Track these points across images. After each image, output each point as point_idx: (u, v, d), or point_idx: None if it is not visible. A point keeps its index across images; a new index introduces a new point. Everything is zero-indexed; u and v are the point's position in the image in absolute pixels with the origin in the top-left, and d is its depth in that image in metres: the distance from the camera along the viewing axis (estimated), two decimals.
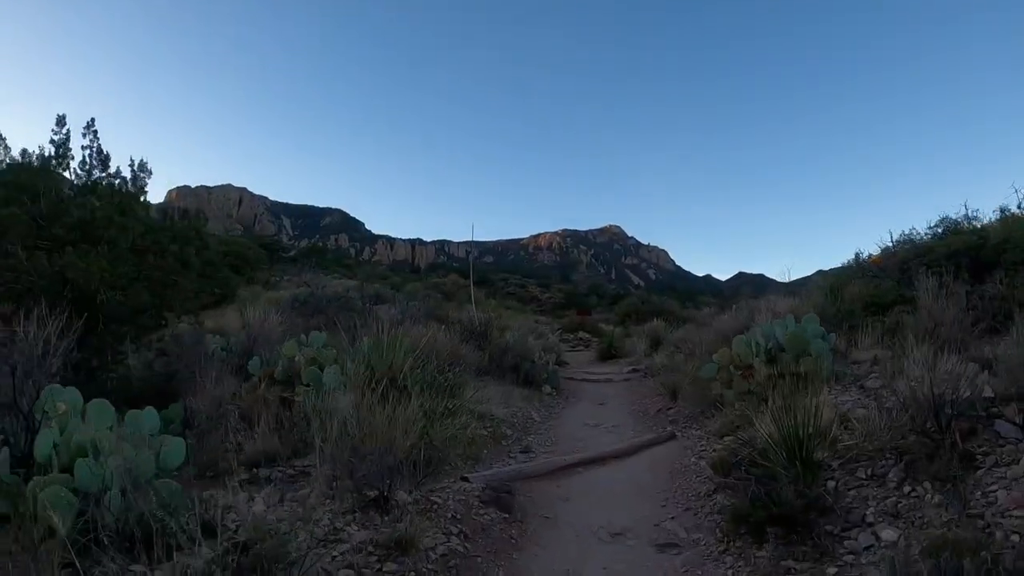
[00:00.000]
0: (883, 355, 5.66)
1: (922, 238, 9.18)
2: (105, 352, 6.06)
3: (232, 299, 12.94)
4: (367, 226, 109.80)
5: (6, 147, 6.92)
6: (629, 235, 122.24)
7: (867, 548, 2.73)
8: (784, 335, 5.17)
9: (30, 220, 5.89)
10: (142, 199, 7.15)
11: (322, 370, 4.78)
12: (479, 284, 33.70)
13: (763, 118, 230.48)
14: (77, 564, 2.15)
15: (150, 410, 3.55)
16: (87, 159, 6.97)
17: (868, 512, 2.95)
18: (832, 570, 2.63)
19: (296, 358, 5.49)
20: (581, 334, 18.41)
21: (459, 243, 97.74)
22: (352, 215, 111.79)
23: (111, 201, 6.31)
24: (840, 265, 11.18)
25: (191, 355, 6.15)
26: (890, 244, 9.56)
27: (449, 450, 3.43)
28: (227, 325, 8.67)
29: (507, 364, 8.20)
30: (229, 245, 24.82)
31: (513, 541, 3.17)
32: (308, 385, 4.71)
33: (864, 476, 3.27)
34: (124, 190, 6.49)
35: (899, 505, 2.97)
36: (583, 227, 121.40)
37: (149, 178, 7.41)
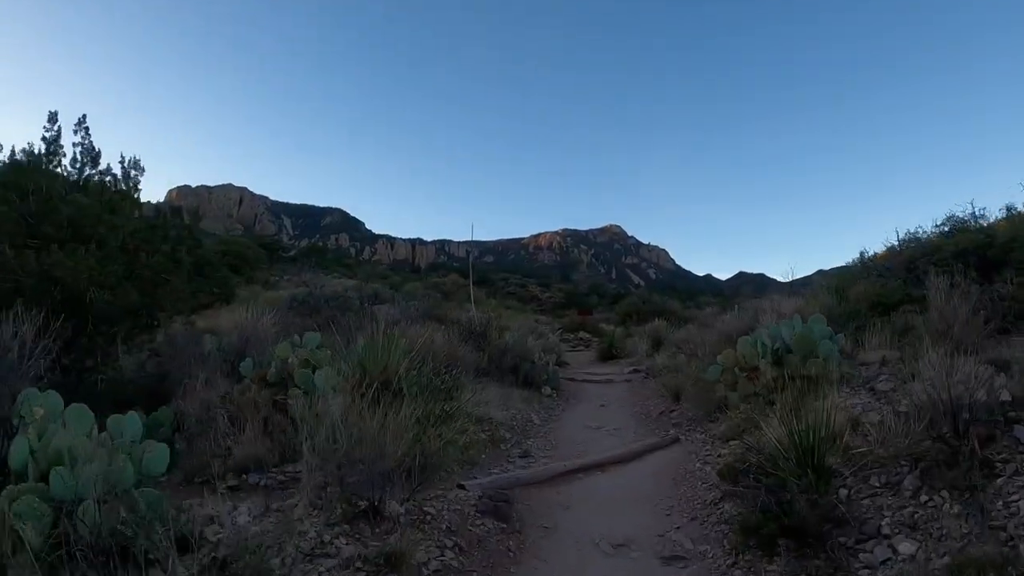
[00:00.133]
0: (892, 356, 5.51)
1: (928, 237, 9.04)
2: (95, 353, 5.92)
3: (231, 299, 12.81)
4: (367, 226, 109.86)
5: None
6: (629, 234, 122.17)
7: (884, 562, 2.59)
8: (791, 336, 5.02)
9: (19, 218, 5.75)
10: (134, 197, 7.01)
11: (315, 372, 4.64)
12: (479, 284, 33.59)
13: (764, 117, 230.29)
14: None
15: (132, 415, 3.41)
16: (78, 156, 6.84)
17: (884, 523, 2.81)
18: None
19: (289, 359, 5.34)
20: (582, 334, 18.27)
21: (459, 243, 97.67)
22: (352, 215, 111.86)
23: (100, 199, 6.17)
24: (841, 265, 11.08)
25: (184, 356, 6.03)
26: (896, 243, 9.43)
27: (444, 457, 3.28)
28: (222, 325, 8.53)
29: (506, 365, 8.05)
30: (228, 245, 24.73)
31: (511, 554, 3.02)
32: (300, 388, 4.57)
33: (878, 484, 3.13)
34: (115, 187, 6.35)
35: (916, 515, 2.83)
36: (583, 226, 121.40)
37: (142, 176, 7.27)
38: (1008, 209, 8.70)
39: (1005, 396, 3.36)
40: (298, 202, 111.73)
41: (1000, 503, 2.73)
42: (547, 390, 8.32)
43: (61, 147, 6.89)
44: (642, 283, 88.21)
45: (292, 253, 43.47)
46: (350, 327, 5.43)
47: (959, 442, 3.08)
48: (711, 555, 3.01)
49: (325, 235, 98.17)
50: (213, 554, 2.19)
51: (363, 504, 2.66)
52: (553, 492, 4.02)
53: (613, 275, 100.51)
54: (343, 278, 24.69)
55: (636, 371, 10.73)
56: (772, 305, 7.78)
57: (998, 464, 2.97)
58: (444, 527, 2.95)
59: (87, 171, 6.84)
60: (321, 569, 2.32)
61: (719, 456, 4.33)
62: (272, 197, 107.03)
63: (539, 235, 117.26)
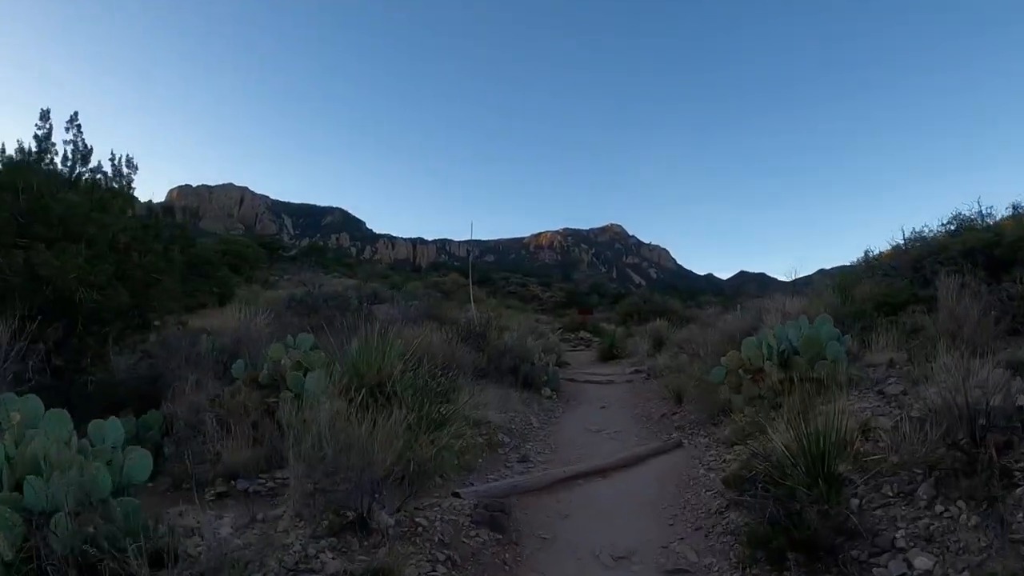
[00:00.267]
0: (899, 358, 5.38)
1: (934, 236, 8.91)
2: (85, 354, 5.81)
3: (227, 299, 12.71)
4: (368, 225, 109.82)
5: None
6: (630, 234, 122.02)
7: None
8: (798, 337, 4.89)
9: (10, 217, 5.64)
10: (127, 194, 6.89)
11: (306, 375, 4.51)
12: (480, 283, 33.49)
13: (764, 117, 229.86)
14: None
15: (114, 419, 3.28)
16: (68, 154, 6.73)
17: (898, 535, 2.67)
18: None
19: (283, 361, 5.22)
20: (582, 334, 18.16)
21: (460, 242, 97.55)
22: (353, 214, 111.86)
23: (91, 197, 6.05)
24: (842, 264, 10.97)
25: (178, 357, 5.91)
26: (901, 242, 9.29)
27: (439, 464, 3.15)
28: (219, 325, 8.41)
29: (506, 366, 7.92)
30: (228, 244, 24.65)
31: (507, 567, 2.88)
32: (291, 390, 4.44)
33: (891, 493, 2.99)
34: (105, 185, 6.23)
35: (932, 527, 2.69)
36: (584, 226, 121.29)
37: (135, 174, 7.16)
38: (1015, 208, 8.58)
39: (1022, 401, 3.23)
40: (299, 201, 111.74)
41: (1020, 515, 2.59)
42: (547, 391, 8.18)
43: (53, 145, 6.78)
44: (643, 282, 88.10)
45: (292, 252, 43.37)
46: (344, 327, 5.29)
47: (976, 449, 2.95)
48: (716, 568, 2.87)
49: (326, 234, 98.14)
50: (189, 571, 2.06)
51: (351, 515, 2.54)
52: (552, 500, 3.88)
53: (614, 274, 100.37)
54: (343, 277, 24.61)
55: (637, 372, 10.60)
56: (776, 305, 7.64)
57: (1016, 473, 2.84)
58: (437, 539, 2.81)
59: (78, 169, 6.73)
60: None
61: (724, 462, 4.20)
62: (273, 196, 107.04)
63: (540, 234, 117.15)
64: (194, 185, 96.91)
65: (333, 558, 2.37)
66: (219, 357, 6.17)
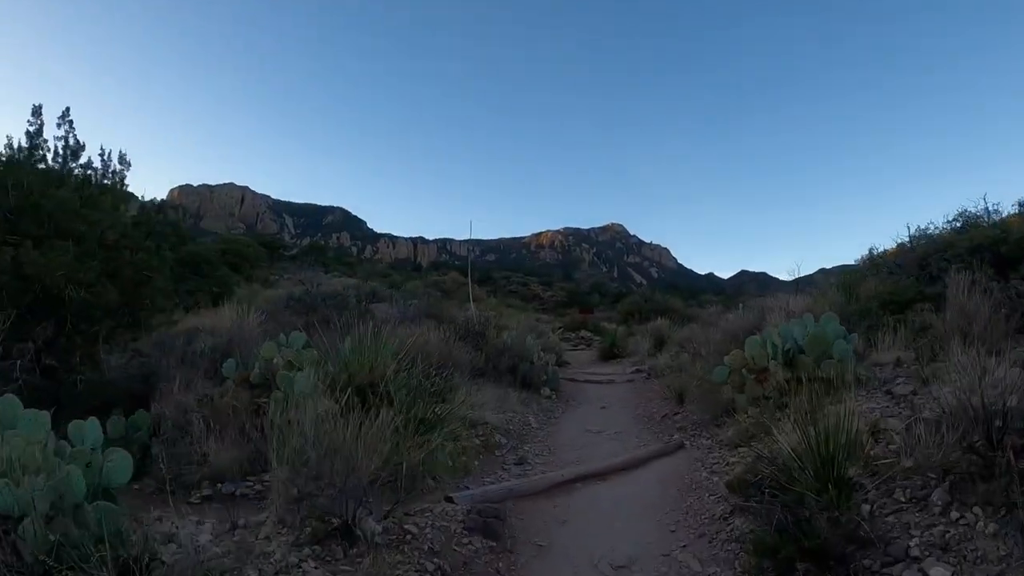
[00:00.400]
0: (906, 357, 5.25)
1: (940, 233, 8.76)
2: (74, 353, 5.70)
3: (221, 298, 12.58)
4: (369, 224, 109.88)
5: None
6: (631, 233, 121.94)
7: None
8: (804, 335, 4.75)
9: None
10: (119, 191, 6.77)
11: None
12: (481, 282, 33.37)
13: (765, 116, 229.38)
14: None
15: (93, 420, 3.16)
16: (59, 150, 6.62)
17: (912, 544, 2.54)
18: None
19: (275, 360, 5.11)
20: (583, 333, 18.03)
21: (461, 241, 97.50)
22: (354, 214, 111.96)
23: (81, 193, 5.94)
24: (843, 264, 10.83)
25: (170, 356, 5.80)
26: (907, 239, 9.14)
27: (432, 467, 3.02)
28: (213, 324, 8.29)
29: (504, 365, 7.78)
30: (228, 243, 24.57)
31: None
32: (282, 390, 4.31)
33: (903, 499, 2.86)
34: (95, 181, 6.11)
35: (947, 535, 2.56)
36: (585, 225, 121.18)
37: (128, 170, 7.05)
38: (1021, 204, 8.43)
39: None
40: (300, 201, 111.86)
41: None
42: (546, 391, 8.05)
43: (45, 141, 6.67)
44: (644, 282, 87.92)
45: (293, 252, 43.25)
46: (338, 326, 5.17)
47: (993, 453, 2.81)
48: None
49: (327, 234, 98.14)
50: None
51: (336, 522, 2.41)
52: (549, 504, 3.73)
53: (615, 274, 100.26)
54: (344, 277, 24.48)
55: (638, 371, 10.46)
56: (780, 303, 7.49)
57: None
58: (426, 547, 2.67)
59: (69, 165, 6.62)
60: None
61: (727, 464, 4.06)
62: (274, 196, 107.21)
63: (541, 234, 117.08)
64: (195, 185, 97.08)
65: (316, 567, 2.24)
66: (212, 356, 6.06)
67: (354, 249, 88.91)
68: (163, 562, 2.33)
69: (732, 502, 3.25)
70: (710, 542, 3.05)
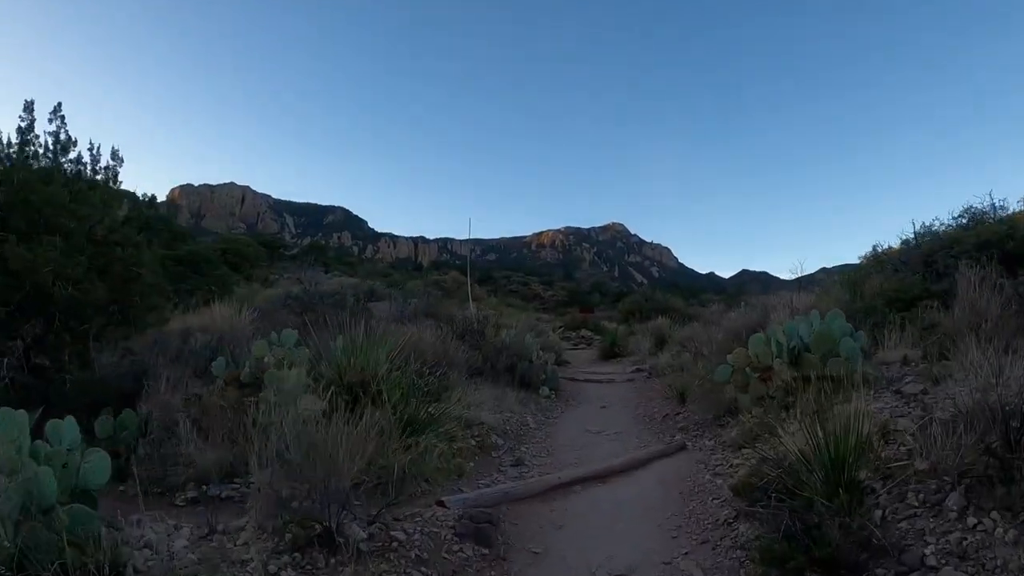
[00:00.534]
0: (914, 355, 5.12)
1: (946, 229, 8.62)
2: (63, 352, 5.59)
3: (221, 296, 12.47)
4: (370, 224, 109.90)
5: None
6: (632, 232, 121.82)
7: None
8: (810, 333, 4.61)
9: None
10: (112, 188, 6.66)
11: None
12: (482, 282, 33.27)
13: (766, 115, 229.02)
14: None
15: (70, 419, 3.04)
16: (50, 145, 6.51)
17: (927, 551, 2.40)
18: None
19: (266, 358, 4.99)
20: (583, 332, 17.91)
21: (462, 241, 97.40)
22: (355, 213, 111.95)
23: (71, 188, 5.82)
24: (845, 263, 10.71)
25: (161, 355, 5.69)
26: (912, 236, 9.00)
27: (423, 469, 2.89)
28: (206, 323, 8.17)
29: (502, 364, 7.64)
30: (228, 243, 24.51)
31: None
32: (269, 389, 4.19)
33: (916, 503, 2.72)
34: (83, 176, 6.00)
35: (965, 543, 2.42)
36: (586, 225, 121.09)
37: (121, 166, 6.94)
38: None
39: None
40: (301, 200, 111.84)
41: None
42: (545, 391, 7.91)
43: (37, 137, 6.57)
44: (645, 281, 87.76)
45: (293, 251, 43.14)
46: (330, 325, 5.05)
47: (1011, 455, 2.68)
48: None
49: (328, 233, 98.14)
50: None
51: (318, 528, 2.28)
52: (546, 508, 3.59)
53: (616, 273, 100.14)
54: (344, 276, 24.36)
55: (639, 370, 10.34)
56: (784, 301, 7.35)
57: None
58: (414, 555, 2.53)
59: (60, 159, 6.51)
60: None
61: (731, 466, 3.93)
62: (275, 196, 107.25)
63: (542, 233, 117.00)
64: (196, 184, 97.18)
65: None
66: (203, 355, 5.94)
67: (355, 249, 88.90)
68: (135, 568, 2.21)
69: (736, 507, 3.11)
70: (713, 549, 2.91)
